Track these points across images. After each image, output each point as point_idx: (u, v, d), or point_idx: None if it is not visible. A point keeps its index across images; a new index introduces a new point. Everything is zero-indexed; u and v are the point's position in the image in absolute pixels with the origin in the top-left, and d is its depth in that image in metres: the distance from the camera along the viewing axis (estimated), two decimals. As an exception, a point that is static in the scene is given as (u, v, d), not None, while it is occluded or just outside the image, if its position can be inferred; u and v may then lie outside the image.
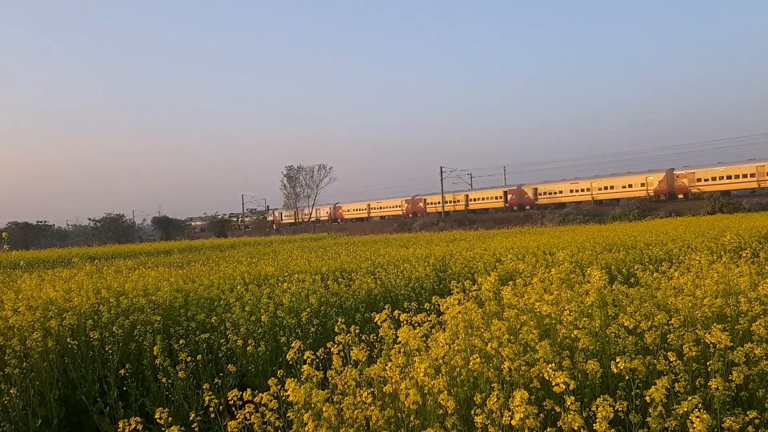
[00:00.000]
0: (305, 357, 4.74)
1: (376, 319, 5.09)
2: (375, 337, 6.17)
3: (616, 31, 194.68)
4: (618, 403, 3.55)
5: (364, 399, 4.04)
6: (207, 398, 4.63)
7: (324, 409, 3.84)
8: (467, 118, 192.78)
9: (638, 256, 13.61)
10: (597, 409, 3.37)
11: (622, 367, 3.93)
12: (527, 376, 4.17)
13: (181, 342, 7.70)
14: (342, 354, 4.84)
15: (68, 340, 8.27)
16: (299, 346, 5.09)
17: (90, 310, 9.42)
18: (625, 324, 4.82)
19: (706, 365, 4.43)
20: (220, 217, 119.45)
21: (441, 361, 4.35)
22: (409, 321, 5.27)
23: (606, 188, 77.95)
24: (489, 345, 4.36)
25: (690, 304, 5.51)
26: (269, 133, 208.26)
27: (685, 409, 3.45)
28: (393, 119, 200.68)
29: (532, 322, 5.01)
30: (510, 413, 3.47)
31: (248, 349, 7.50)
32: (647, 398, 3.52)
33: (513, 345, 4.34)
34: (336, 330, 5.72)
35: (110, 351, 8.13)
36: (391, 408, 4.08)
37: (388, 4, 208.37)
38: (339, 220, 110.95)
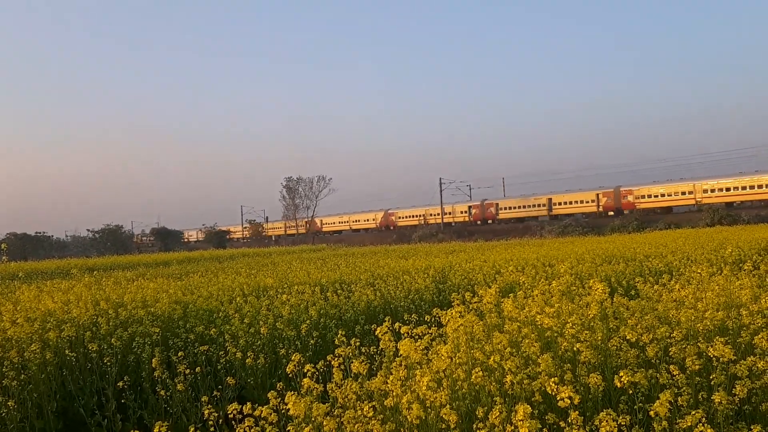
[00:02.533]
0: (305, 370, 4.71)
1: (377, 331, 5.07)
2: (375, 350, 6.14)
3: (617, 37, 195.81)
4: (621, 417, 3.53)
5: (365, 413, 4.01)
6: (206, 411, 4.60)
7: (324, 423, 3.81)
8: (469, 130, 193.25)
9: (638, 268, 13.59)
10: (600, 423, 3.34)
11: (625, 381, 3.90)
12: (529, 390, 4.14)
13: (179, 354, 7.65)
14: (342, 367, 4.81)
15: (66, 352, 8.22)
16: (299, 359, 5.06)
17: (88, 322, 9.38)
18: (627, 337, 4.80)
19: (708, 379, 4.41)
20: (218, 228, 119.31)
21: (443, 374, 4.32)
22: (410, 333, 5.24)
23: (562, 203, 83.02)
24: (491, 358, 4.33)
25: (692, 317, 5.49)
26: (269, 144, 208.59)
27: (689, 424, 3.42)
28: (394, 130, 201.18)
29: (533, 335, 4.99)
30: (513, 427, 3.44)
31: (247, 361, 7.46)
32: (651, 412, 3.49)
33: (515, 358, 4.32)
34: (336, 342, 5.70)
35: (109, 363, 8.09)
36: (392, 422, 4.05)
37: (386, 18, 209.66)
38: (317, 233, 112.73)
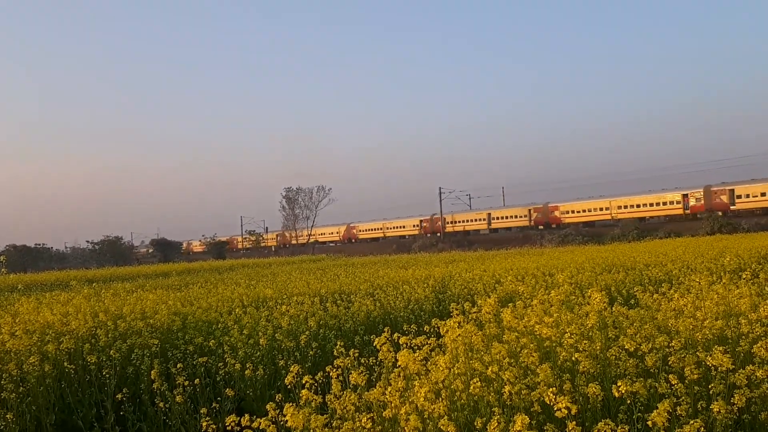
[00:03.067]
0: (304, 381, 4.69)
1: (375, 342, 5.06)
2: (374, 361, 6.12)
3: (611, 44, 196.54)
4: (620, 427, 3.52)
5: (363, 424, 4.00)
6: (205, 423, 4.59)
7: (323, 434, 3.80)
8: (468, 138, 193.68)
9: (638, 277, 13.58)
10: (599, 433, 3.33)
11: (623, 391, 3.89)
12: (528, 400, 4.13)
13: (178, 366, 7.63)
14: (341, 378, 4.80)
15: (65, 364, 8.21)
16: (298, 370, 5.05)
17: (87, 334, 9.36)
18: (626, 346, 4.79)
19: (707, 388, 4.40)
20: (218, 239, 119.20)
21: (441, 384, 4.31)
22: (409, 344, 5.23)
23: (500, 218, 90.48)
24: (489, 368, 4.33)
25: (691, 326, 5.48)
26: (268, 154, 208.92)
27: (688, 433, 3.42)
28: (393, 140, 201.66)
29: (532, 345, 4.98)
30: (511, 438, 3.43)
31: (246, 372, 7.44)
32: (649, 422, 3.49)
33: (513, 368, 4.31)
34: (335, 353, 5.68)
35: (107, 375, 8.07)
36: (390, 433, 4.04)
37: (385, 26, 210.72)
38: (286, 245, 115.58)
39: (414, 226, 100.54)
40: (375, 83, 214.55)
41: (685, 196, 72.83)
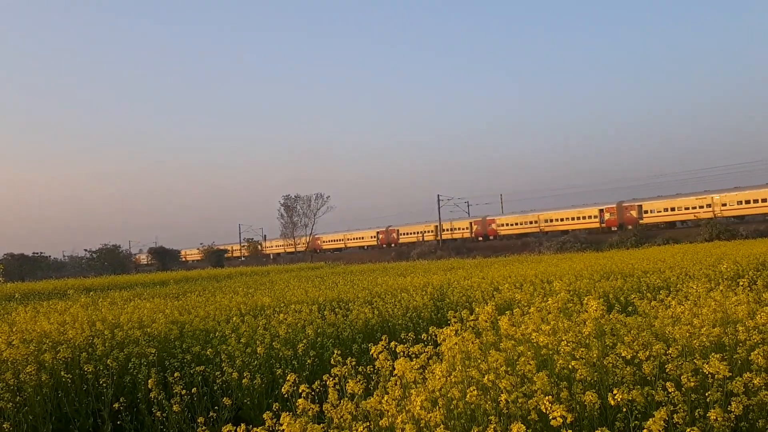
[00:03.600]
0: (300, 390, 4.69)
1: (372, 351, 5.06)
2: (372, 369, 6.11)
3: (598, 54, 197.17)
4: (617, 436, 3.52)
5: (359, 433, 3.99)
6: (201, 433, 4.57)
7: (319, 444, 3.79)
8: (465, 145, 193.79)
9: (636, 284, 13.58)
10: (595, 442, 3.33)
11: (620, 399, 3.89)
12: (525, 408, 4.12)
13: (176, 375, 7.62)
14: (338, 387, 4.79)
15: (62, 373, 8.18)
16: (294, 379, 5.04)
17: (84, 343, 9.34)
18: (623, 354, 4.79)
19: (704, 395, 4.40)
20: (216, 247, 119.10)
21: (438, 393, 4.30)
22: (406, 352, 5.23)
23: (449, 229, 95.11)
24: (486, 377, 4.32)
25: (688, 333, 5.48)
26: (267, 162, 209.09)
27: (685, 441, 3.41)
28: (390, 147, 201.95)
29: (529, 353, 4.97)
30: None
31: (244, 381, 7.42)
32: (645, 431, 3.48)
33: (510, 377, 4.30)
34: (332, 362, 5.68)
35: (104, 384, 8.05)
36: (387, 442, 4.03)
37: (382, 34, 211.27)
38: (263, 257, 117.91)
39: (371, 237, 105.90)
40: (373, 90, 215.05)
41: (601, 211, 79.78)
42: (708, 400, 4.31)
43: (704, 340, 5.36)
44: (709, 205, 70.74)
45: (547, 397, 3.78)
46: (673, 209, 73.45)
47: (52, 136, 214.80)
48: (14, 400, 7.39)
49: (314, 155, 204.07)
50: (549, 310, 6.29)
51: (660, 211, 73.07)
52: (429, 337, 6.92)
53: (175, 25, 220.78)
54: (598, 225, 78.37)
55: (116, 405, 7.20)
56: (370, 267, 41.85)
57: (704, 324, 5.80)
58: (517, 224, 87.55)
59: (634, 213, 75.69)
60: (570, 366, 4.67)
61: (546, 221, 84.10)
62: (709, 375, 4.34)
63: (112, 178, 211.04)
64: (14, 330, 10.15)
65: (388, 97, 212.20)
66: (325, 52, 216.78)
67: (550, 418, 3.60)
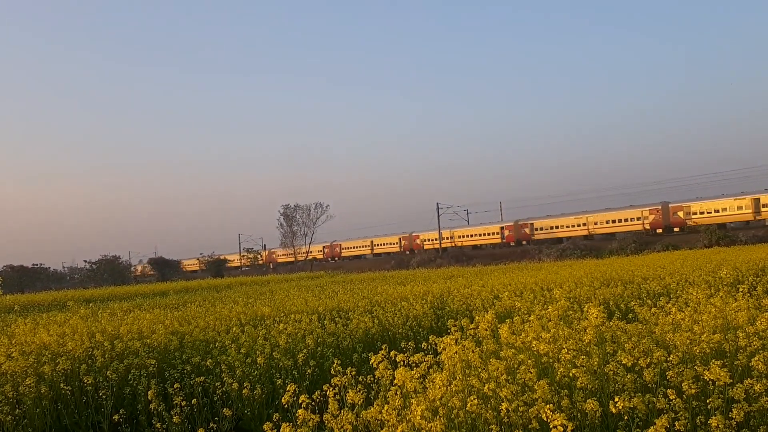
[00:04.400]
0: (300, 401, 4.67)
1: (372, 360, 5.05)
2: (373, 378, 6.10)
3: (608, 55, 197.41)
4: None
5: (360, 443, 3.98)
6: (201, 444, 4.55)
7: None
8: (465, 153, 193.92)
9: (636, 290, 13.56)
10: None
11: (620, 407, 3.88)
12: (526, 417, 4.11)
13: (176, 386, 7.60)
14: (338, 397, 4.78)
15: (62, 385, 8.16)
16: (294, 389, 5.03)
17: (84, 355, 9.32)
18: (624, 361, 4.78)
19: (706, 402, 4.39)
20: (216, 257, 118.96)
21: (438, 402, 4.29)
22: (407, 362, 5.22)
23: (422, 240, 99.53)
24: (487, 386, 4.31)
25: (688, 340, 5.47)
26: (266, 171, 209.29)
27: (687, 449, 3.40)
28: (389, 156, 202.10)
29: (530, 361, 4.96)
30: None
31: (244, 392, 7.40)
32: (647, 438, 3.47)
33: (511, 385, 4.29)
34: (333, 372, 5.67)
35: (104, 396, 8.03)
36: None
37: (383, 49, 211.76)
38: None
39: (365, 246, 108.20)
40: (371, 98, 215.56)
41: (502, 228, 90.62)
42: (709, 407, 4.30)
43: (705, 346, 5.35)
44: (584, 224, 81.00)
45: (548, 406, 3.78)
46: (558, 227, 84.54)
47: (51, 147, 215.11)
48: (14, 413, 7.38)
49: (314, 165, 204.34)
50: (549, 318, 6.29)
51: (547, 229, 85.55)
52: (429, 346, 6.91)
53: (173, 37, 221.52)
54: (499, 240, 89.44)
55: (116, 417, 7.18)
56: (370, 276, 41.80)
57: (705, 330, 5.79)
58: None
59: (527, 230, 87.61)
60: (571, 374, 4.66)
61: (459, 237, 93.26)
62: (710, 382, 4.33)
63: (112, 189, 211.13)
64: (13, 342, 10.14)
65: (386, 107, 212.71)
66: (324, 62, 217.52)
67: (551, 426, 3.60)
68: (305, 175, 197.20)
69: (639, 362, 4.83)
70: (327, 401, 4.81)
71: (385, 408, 4.28)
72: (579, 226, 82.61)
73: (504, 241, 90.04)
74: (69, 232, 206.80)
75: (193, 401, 7.19)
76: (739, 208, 69.30)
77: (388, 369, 4.99)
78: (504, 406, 4.08)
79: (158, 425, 6.81)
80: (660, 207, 74.92)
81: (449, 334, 5.62)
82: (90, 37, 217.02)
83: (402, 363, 5.15)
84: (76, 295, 35.17)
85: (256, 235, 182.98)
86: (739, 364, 5.10)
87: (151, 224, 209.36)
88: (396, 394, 4.51)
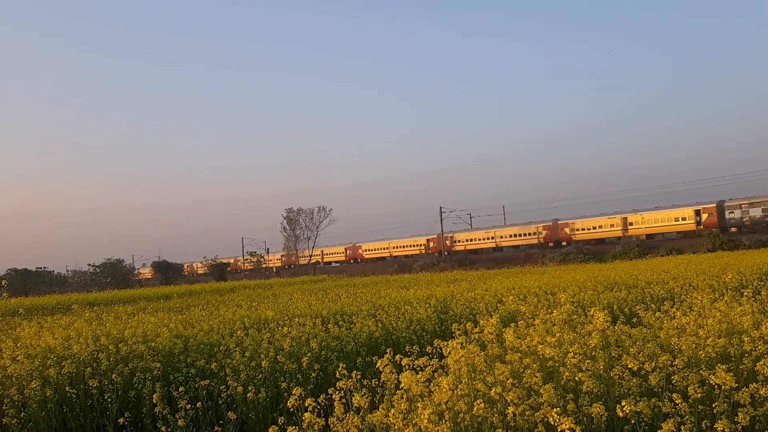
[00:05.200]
0: (306, 404, 4.68)
1: (378, 364, 5.06)
2: (377, 382, 6.11)
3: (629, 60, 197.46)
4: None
5: (366, 447, 3.99)
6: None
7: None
8: (467, 159, 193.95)
9: (640, 295, 13.55)
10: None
11: (627, 411, 3.88)
12: (531, 421, 4.12)
13: (180, 389, 7.61)
14: (344, 400, 4.78)
15: (67, 388, 8.19)
16: (300, 393, 5.04)
17: (89, 358, 9.34)
18: (629, 366, 4.78)
19: (711, 407, 4.39)
20: (219, 260, 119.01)
21: (444, 406, 4.30)
22: (411, 366, 5.23)
23: (398, 247, 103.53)
24: (493, 389, 4.31)
25: (693, 344, 5.47)
26: (269, 175, 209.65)
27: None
28: (390, 160, 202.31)
29: (535, 365, 4.97)
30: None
31: (248, 395, 7.41)
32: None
33: (517, 389, 4.30)
34: (337, 375, 5.67)
35: (109, 399, 8.05)
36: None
37: (390, 54, 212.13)
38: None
39: (339, 253, 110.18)
40: (375, 102, 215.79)
41: (428, 240, 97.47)
42: (715, 411, 4.30)
43: (710, 350, 5.35)
44: (493, 237, 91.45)
45: (554, 410, 3.78)
46: (472, 240, 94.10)
47: (54, 151, 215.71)
48: (19, 416, 7.40)
49: (317, 168, 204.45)
50: (554, 322, 6.29)
51: (463, 241, 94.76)
52: (434, 350, 6.92)
53: (177, 41, 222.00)
54: (424, 251, 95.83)
55: (121, 420, 7.19)
56: (373, 279, 41.82)
57: (710, 335, 5.79)
58: (470, 240, 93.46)
59: (448, 242, 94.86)
60: (576, 378, 4.67)
61: (395, 248, 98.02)
62: (716, 386, 4.33)
63: (115, 193, 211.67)
64: (19, 345, 10.16)
65: (390, 111, 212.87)
66: (328, 65, 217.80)
67: (559, 430, 3.60)
68: (308, 178, 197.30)
69: (644, 366, 4.84)
70: (332, 405, 4.82)
71: (392, 412, 4.29)
72: (489, 239, 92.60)
73: (429, 251, 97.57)
74: (73, 236, 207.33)
75: (198, 404, 7.19)
76: (611, 225, 79.13)
77: (393, 373, 4.99)
78: (510, 410, 4.08)
79: (163, 428, 6.82)
80: (551, 224, 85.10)
81: (453, 338, 5.63)
82: (99, 39, 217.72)
83: (407, 367, 5.15)
84: (80, 299, 35.24)
85: (259, 238, 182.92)
86: (745, 369, 5.10)
87: (154, 228, 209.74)
88: (402, 397, 4.51)
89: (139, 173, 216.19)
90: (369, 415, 4.48)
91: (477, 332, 6.66)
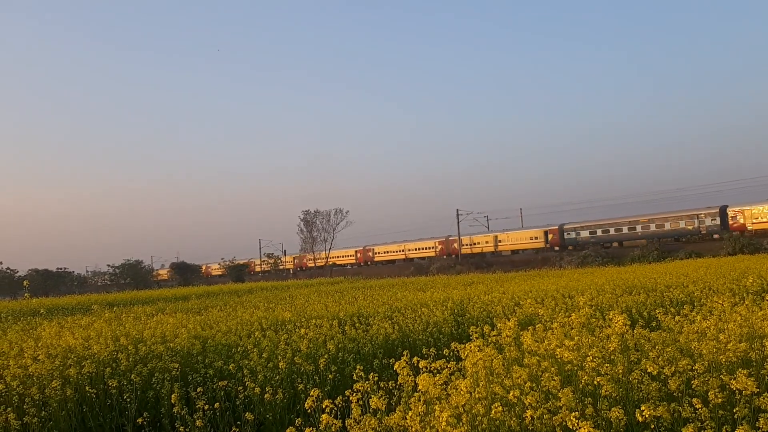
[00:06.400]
0: (324, 405, 4.70)
1: (396, 366, 5.06)
2: (394, 384, 6.11)
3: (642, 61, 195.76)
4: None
5: (384, 449, 3.99)
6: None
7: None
8: (486, 160, 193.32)
9: (659, 298, 13.43)
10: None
11: (647, 415, 3.85)
12: (549, 425, 4.10)
13: (198, 390, 7.67)
14: (361, 402, 4.79)
15: (87, 388, 8.27)
16: (318, 394, 5.06)
17: (108, 358, 9.43)
18: (649, 370, 4.74)
19: (732, 412, 4.34)
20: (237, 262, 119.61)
21: (462, 409, 4.29)
22: (429, 368, 5.22)
23: (380, 252, 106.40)
24: (511, 393, 4.30)
25: (714, 348, 5.42)
26: (287, 177, 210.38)
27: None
28: (410, 163, 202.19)
29: (553, 369, 4.95)
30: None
31: (266, 396, 7.44)
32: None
33: (535, 392, 4.28)
34: (355, 377, 5.68)
35: (128, 399, 8.12)
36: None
37: (402, 50, 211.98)
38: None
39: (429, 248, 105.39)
40: (392, 104, 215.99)
41: (357, 252, 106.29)
42: (736, 416, 4.25)
43: (731, 355, 5.29)
44: (403, 250, 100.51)
45: (573, 414, 3.76)
46: (388, 252, 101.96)
47: (74, 153, 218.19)
48: (39, 415, 7.48)
49: (333, 171, 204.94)
50: (572, 326, 6.26)
51: (382, 252, 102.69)
52: (451, 353, 6.90)
53: (193, 42, 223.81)
54: (354, 261, 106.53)
55: (140, 420, 7.26)
56: (390, 282, 41.79)
57: (730, 339, 5.73)
58: (387, 252, 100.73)
59: (370, 254, 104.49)
60: (595, 382, 4.64)
61: (409, 250, 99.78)
62: (737, 391, 4.29)
63: (135, 195, 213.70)
64: (39, 345, 10.28)
65: (407, 113, 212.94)
66: (343, 67, 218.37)
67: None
68: (325, 181, 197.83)
69: (664, 370, 4.79)
70: (348, 407, 4.83)
71: (410, 414, 4.29)
72: (401, 251, 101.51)
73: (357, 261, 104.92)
74: (92, 237, 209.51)
75: (216, 405, 7.24)
76: (486, 242, 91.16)
77: (410, 375, 4.99)
78: (529, 413, 4.07)
79: (181, 429, 6.86)
80: (444, 240, 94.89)
81: (470, 340, 5.62)
82: (116, 41, 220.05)
83: (424, 369, 5.15)
84: (99, 299, 35.60)
85: (276, 240, 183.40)
86: (766, 374, 5.03)
87: (173, 230, 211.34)
88: (419, 400, 4.51)
89: (159, 176, 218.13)
90: (386, 418, 4.48)
91: (494, 335, 6.64)
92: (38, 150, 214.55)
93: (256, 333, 10.80)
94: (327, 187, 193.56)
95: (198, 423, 6.51)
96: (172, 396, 6.88)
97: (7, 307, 31.25)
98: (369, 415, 4.58)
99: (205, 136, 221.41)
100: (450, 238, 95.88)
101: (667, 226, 72.19)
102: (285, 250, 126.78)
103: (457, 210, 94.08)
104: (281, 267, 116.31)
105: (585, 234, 79.92)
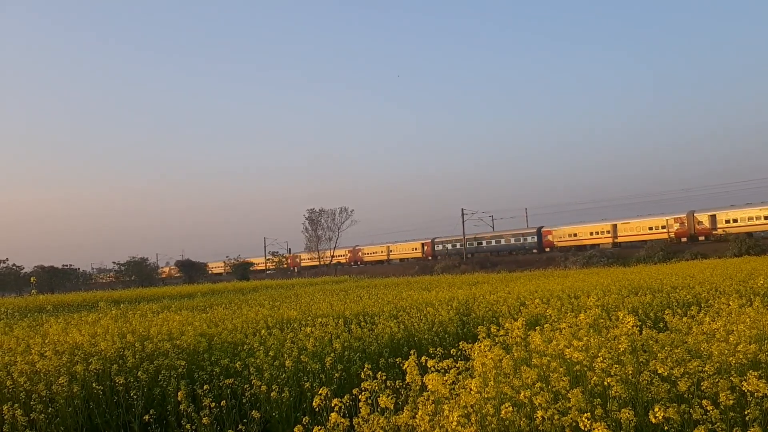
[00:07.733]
0: (333, 404, 4.69)
1: (405, 365, 5.05)
2: (400, 383, 6.10)
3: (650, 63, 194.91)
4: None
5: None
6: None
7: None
8: (491, 160, 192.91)
9: (665, 299, 13.37)
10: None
11: (659, 417, 3.83)
12: (560, 425, 4.08)
13: (205, 387, 7.67)
14: (369, 401, 4.78)
15: (93, 385, 8.29)
16: (326, 393, 5.05)
17: (115, 355, 9.44)
18: (659, 371, 4.72)
19: (743, 414, 4.32)
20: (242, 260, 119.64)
21: (471, 408, 4.27)
22: (436, 367, 5.21)
23: (368, 253, 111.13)
24: (521, 393, 4.28)
25: (724, 350, 5.39)
26: (292, 175, 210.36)
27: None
28: (415, 162, 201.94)
29: (562, 369, 4.93)
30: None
31: (272, 394, 7.44)
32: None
33: (545, 393, 4.26)
34: (362, 376, 5.68)
35: (135, 396, 8.12)
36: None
37: (407, 51, 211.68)
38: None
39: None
40: (396, 104, 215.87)
41: (348, 252, 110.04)
42: (746, 418, 4.23)
43: (741, 357, 5.26)
44: (386, 251, 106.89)
45: (585, 414, 3.74)
46: (375, 252, 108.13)
47: (80, 153, 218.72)
48: (46, 411, 7.50)
49: (338, 169, 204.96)
50: (580, 326, 6.24)
51: (371, 253, 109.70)
52: (458, 353, 6.89)
53: (193, 42, 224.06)
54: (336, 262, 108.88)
55: (146, 417, 7.26)
56: (394, 281, 41.77)
57: (740, 341, 5.70)
58: (374, 253, 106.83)
59: (358, 254, 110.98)
60: (604, 383, 4.62)
61: (392, 252, 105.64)
62: (747, 393, 4.26)
63: (140, 193, 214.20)
64: (46, 341, 10.31)
65: (411, 112, 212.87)
66: (348, 69, 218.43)
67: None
68: (329, 180, 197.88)
69: (673, 372, 4.77)
70: (355, 405, 4.82)
71: (419, 413, 4.28)
72: (382, 252, 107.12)
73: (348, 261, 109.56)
74: (98, 234, 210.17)
75: (222, 403, 7.24)
76: (390, 250, 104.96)
77: (419, 375, 4.98)
78: (539, 413, 4.05)
79: (188, 426, 6.87)
80: (385, 248, 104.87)
81: (477, 340, 5.60)
82: (116, 41, 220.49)
83: (432, 369, 5.14)
84: (105, 296, 35.69)
85: (281, 238, 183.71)
86: (776, 376, 5.00)
87: (178, 227, 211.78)
88: (428, 399, 4.50)
89: (164, 174, 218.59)
90: (395, 417, 4.47)
91: (502, 335, 6.63)
92: (43, 149, 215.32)
93: (262, 331, 10.80)
94: (327, 187, 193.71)
95: (204, 420, 6.52)
96: (179, 393, 6.88)
97: (14, 304, 31.39)
98: (377, 414, 4.57)
99: (206, 136, 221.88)
100: (436, 240, 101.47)
101: (503, 241, 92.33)
102: (290, 249, 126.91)
103: (462, 209, 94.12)
104: (322, 262, 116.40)
105: (449, 246, 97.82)
